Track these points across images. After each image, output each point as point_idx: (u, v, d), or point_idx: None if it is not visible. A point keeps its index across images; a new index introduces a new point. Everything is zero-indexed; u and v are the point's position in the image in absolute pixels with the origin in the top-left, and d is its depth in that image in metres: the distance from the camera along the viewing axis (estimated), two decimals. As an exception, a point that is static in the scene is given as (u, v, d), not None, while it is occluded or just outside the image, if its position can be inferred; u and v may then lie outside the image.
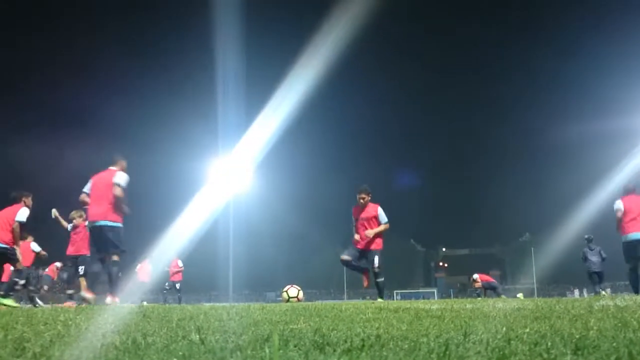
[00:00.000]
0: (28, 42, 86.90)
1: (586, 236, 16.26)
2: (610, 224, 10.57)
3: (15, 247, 8.83)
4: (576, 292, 55.53)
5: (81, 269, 10.13)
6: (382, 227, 9.15)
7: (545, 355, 1.53)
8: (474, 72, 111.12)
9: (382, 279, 9.04)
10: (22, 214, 8.85)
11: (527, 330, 2.19)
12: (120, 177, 7.90)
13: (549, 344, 1.71)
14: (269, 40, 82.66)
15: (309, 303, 7.57)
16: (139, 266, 18.20)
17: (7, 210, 8.96)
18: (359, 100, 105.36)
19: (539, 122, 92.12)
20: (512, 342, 1.77)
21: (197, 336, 2.03)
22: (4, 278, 16.53)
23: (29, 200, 9.13)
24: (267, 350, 1.60)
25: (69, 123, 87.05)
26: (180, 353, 1.61)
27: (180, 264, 19.55)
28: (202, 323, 2.81)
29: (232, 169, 31.55)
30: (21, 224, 8.81)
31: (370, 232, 9.07)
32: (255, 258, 68.79)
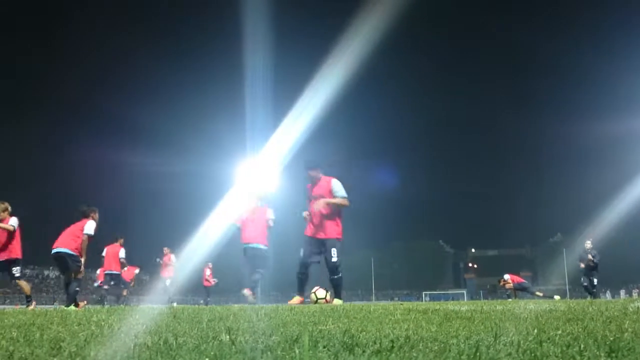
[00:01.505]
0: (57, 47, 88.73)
1: (590, 242, 15.83)
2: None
3: (82, 256, 9.17)
4: (622, 292, 55.02)
5: (16, 271, 9.45)
6: (336, 200, 7.60)
7: (578, 358, 1.50)
8: (508, 74, 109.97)
9: (339, 275, 7.64)
10: (90, 226, 9.32)
11: (560, 332, 2.15)
12: (272, 213, 9.78)
13: (582, 346, 1.68)
14: (296, 42, 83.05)
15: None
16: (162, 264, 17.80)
17: (76, 225, 9.38)
18: (387, 101, 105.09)
19: (571, 122, 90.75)
20: (544, 344, 1.75)
21: (228, 337, 2.05)
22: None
23: (96, 215, 9.59)
24: (297, 351, 1.61)
25: (103, 127, 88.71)
26: (212, 353, 1.62)
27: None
28: (231, 324, 2.83)
29: (260, 171, 31.66)
30: (89, 236, 9.26)
31: (321, 202, 7.56)
32: (283, 259, 68.87)
